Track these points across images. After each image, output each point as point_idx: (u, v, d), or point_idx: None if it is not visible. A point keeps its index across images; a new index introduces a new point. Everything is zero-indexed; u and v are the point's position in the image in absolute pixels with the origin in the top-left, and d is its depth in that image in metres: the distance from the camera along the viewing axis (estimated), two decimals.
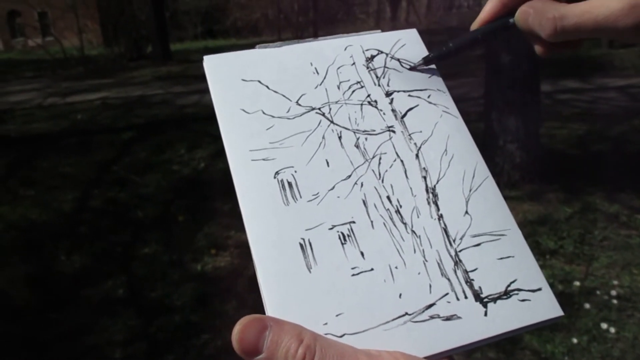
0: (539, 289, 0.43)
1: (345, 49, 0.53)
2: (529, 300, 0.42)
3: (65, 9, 18.99)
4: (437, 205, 0.45)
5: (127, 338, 2.59)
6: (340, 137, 0.47)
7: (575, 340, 2.35)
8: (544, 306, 0.42)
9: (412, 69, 0.52)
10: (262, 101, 0.48)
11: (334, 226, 0.42)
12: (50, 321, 2.75)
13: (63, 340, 2.59)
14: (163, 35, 14.80)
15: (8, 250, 3.59)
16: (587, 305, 2.58)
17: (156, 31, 14.54)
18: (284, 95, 0.48)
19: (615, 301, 2.62)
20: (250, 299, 2.74)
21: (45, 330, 2.68)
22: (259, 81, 0.49)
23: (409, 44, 0.54)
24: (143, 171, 5.01)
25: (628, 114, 5.84)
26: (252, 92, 0.48)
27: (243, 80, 0.49)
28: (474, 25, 0.51)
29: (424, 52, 0.54)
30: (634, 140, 5.00)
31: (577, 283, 2.76)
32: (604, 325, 2.43)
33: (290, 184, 0.44)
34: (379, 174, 0.46)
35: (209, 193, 4.31)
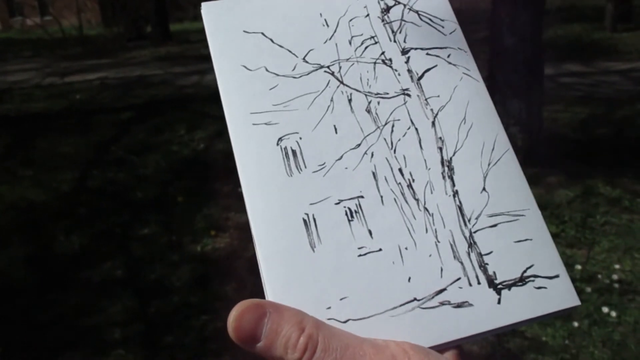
0: (557, 276, 0.39)
1: None
2: (545, 288, 0.39)
3: None
4: (452, 180, 0.41)
5: (125, 319, 2.58)
6: (350, 100, 0.43)
7: (576, 324, 2.34)
8: (561, 295, 0.39)
9: None
10: (265, 57, 0.44)
11: (340, 201, 0.39)
12: (49, 302, 2.74)
13: (62, 321, 2.59)
14: (162, 16, 14.67)
15: (7, 230, 3.58)
16: (588, 289, 2.57)
17: (155, 11, 14.41)
18: (289, 51, 0.44)
19: (616, 285, 2.61)
20: (249, 280, 2.73)
21: (43, 311, 2.67)
22: (263, 33, 0.45)
23: None
24: (142, 152, 4.98)
25: (631, 97, 5.80)
26: (254, 46, 0.44)
27: (245, 32, 0.45)
28: None
29: (446, 5, 0.49)
30: (636, 124, 4.97)
31: (579, 267, 2.74)
32: (605, 309, 2.42)
33: (294, 152, 0.40)
34: (391, 144, 0.42)
35: (209, 174, 4.29)
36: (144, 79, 8.76)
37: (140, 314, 2.63)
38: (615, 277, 2.66)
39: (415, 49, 0.46)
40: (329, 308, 0.36)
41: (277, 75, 0.43)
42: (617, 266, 2.76)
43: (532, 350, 2.24)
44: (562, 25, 10.61)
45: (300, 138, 0.41)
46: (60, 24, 15.44)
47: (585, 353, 2.22)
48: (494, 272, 0.39)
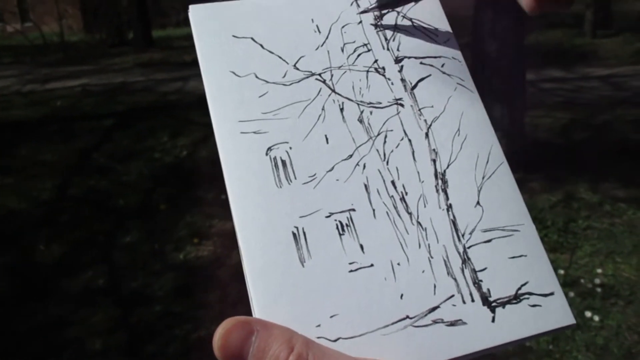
0: (552, 294, 0.38)
1: (352, 4, 0.47)
2: (540, 306, 0.38)
3: None
4: (446, 193, 0.40)
5: (107, 329, 2.55)
6: (342, 109, 0.42)
7: None
8: (556, 313, 0.38)
9: (364, 12, 0.46)
10: (255, 63, 0.42)
11: (331, 214, 0.38)
12: (29, 312, 2.70)
13: (42, 332, 2.54)
14: (145, 22, 14.57)
15: None
16: (571, 294, 2.58)
17: (138, 17, 14.31)
18: (280, 57, 0.43)
19: (599, 289, 2.63)
20: (233, 288, 2.71)
21: (23, 322, 2.63)
22: (252, 38, 0.43)
23: (424, 1, 0.48)
24: (124, 159, 4.93)
25: (611, 103, 5.87)
26: (243, 51, 0.43)
27: (234, 36, 0.43)
28: None
29: (440, 12, 0.48)
30: (616, 129, 5.02)
31: (562, 272, 2.76)
32: (588, 314, 2.44)
33: (284, 162, 0.39)
34: (384, 155, 0.41)
35: (192, 181, 4.26)
36: (126, 86, 8.69)
37: (122, 323, 2.60)
38: (597, 281, 2.68)
39: (409, 57, 0.45)
40: (319, 326, 0.35)
41: (267, 82, 0.42)
42: (599, 270, 2.78)
43: (516, 355, 2.25)
44: (543, 32, 10.72)
45: (290, 148, 0.40)
46: (41, 30, 15.29)
47: (569, 357, 2.23)
48: (488, 290, 0.38)
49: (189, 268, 3.06)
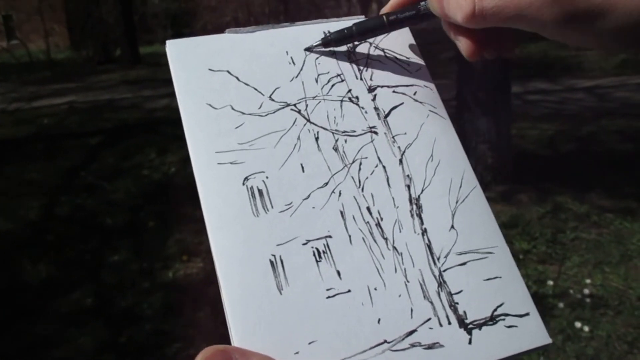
0: (527, 314, 0.39)
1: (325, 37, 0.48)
2: (516, 326, 0.38)
3: (31, 11, 18.60)
4: (421, 218, 0.41)
5: (96, 349, 2.52)
6: (317, 138, 0.43)
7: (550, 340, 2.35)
8: (532, 333, 0.39)
9: (308, 49, 0.47)
10: (231, 95, 0.43)
11: (308, 241, 0.38)
12: (16, 333, 2.66)
13: (29, 353, 2.51)
14: (132, 39, 14.60)
15: None
16: (560, 305, 2.59)
17: (125, 34, 14.34)
18: (255, 89, 0.44)
19: (588, 300, 2.64)
20: (222, 306, 2.69)
21: (10, 343, 2.59)
22: (228, 71, 0.44)
23: (395, 32, 0.49)
24: (112, 177, 4.91)
25: (596, 114, 5.93)
26: (220, 84, 0.43)
27: (210, 70, 0.44)
28: (385, 9, 0.47)
29: (412, 42, 0.49)
30: (602, 140, 5.07)
31: (551, 283, 2.77)
32: (578, 324, 2.44)
33: (260, 191, 0.39)
34: (359, 182, 0.41)
35: (180, 198, 4.24)
36: (113, 103, 8.68)
37: (111, 343, 2.57)
38: (586, 291, 2.69)
39: (382, 86, 0.46)
40: (297, 353, 0.35)
41: (243, 113, 0.43)
42: (588, 281, 2.79)
43: None
44: (528, 44, 10.83)
45: (267, 177, 0.40)
46: (27, 48, 15.26)
47: None
48: (465, 312, 0.38)
49: (178, 286, 3.04)
